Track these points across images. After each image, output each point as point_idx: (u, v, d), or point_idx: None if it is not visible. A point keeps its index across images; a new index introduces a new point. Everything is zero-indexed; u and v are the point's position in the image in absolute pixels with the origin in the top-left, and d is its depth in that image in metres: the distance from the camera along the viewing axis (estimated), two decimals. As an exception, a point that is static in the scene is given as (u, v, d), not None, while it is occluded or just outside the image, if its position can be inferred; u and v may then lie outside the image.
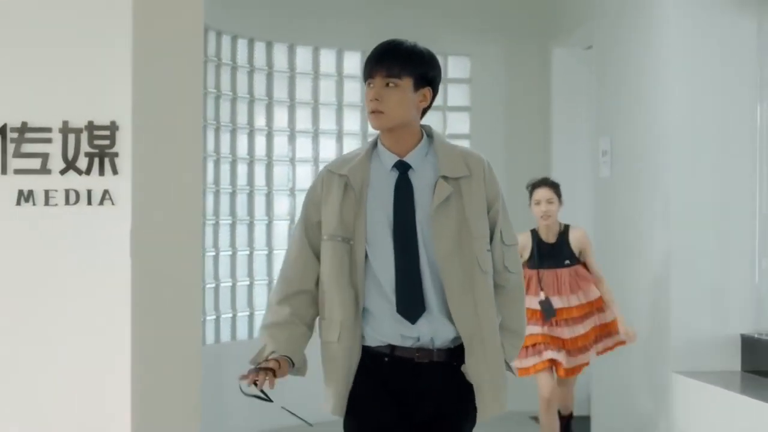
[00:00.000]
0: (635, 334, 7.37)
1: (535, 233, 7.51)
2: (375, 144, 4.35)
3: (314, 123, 9.77)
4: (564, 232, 7.50)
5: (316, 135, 9.80)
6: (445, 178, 4.19)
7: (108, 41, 6.57)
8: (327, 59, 9.82)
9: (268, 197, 9.70)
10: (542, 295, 7.26)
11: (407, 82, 4.19)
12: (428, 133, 4.33)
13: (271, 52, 9.51)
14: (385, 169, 4.26)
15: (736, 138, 7.58)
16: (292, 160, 9.71)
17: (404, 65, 4.20)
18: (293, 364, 4.16)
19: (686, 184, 7.58)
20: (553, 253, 7.45)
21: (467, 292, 4.16)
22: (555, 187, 7.51)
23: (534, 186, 7.53)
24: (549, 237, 7.48)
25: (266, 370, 4.05)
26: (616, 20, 8.58)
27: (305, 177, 9.52)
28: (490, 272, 4.23)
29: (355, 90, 9.77)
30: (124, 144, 6.52)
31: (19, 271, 6.49)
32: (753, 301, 7.61)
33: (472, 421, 4.28)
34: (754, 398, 6.72)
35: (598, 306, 7.44)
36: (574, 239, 7.47)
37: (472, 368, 4.15)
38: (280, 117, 9.67)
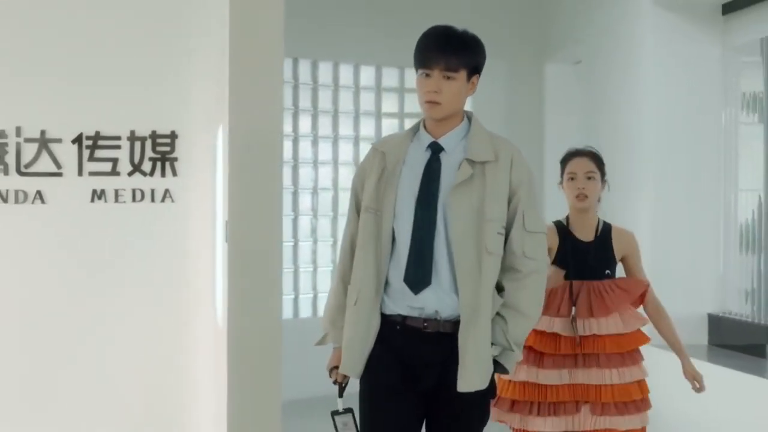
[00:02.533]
0: (701, 379, 5.55)
1: (563, 228, 5.24)
2: (418, 126, 4.37)
3: (354, 129, 10.39)
4: (606, 229, 5.24)
5: (356, 141, 10.41)
6: (469, 161, 4.17)
7: (170, 64, 7.22)
8: (346, 72, 10.39)
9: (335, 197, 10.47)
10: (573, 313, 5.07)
11: (462, 74, 4.22)
12: (469, 118, 4.34)
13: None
14: (421, 148, 4.28)
15: (705, 140, 8.27)
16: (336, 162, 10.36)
17: (461, 58, 4.21)
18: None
19: (661, 182, 8.25)
20: (591, 256, 5.18)
21: (475, 271, 4.11)
22: (597, 159, 5.34)
23: (567, 157, 5.36)
24: (585, 233, 5.23)
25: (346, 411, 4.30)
26: (601, 39, 9.18)
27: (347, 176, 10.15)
28: (496, 254, 4.16)
29: (369, 99, 10.36)
30: (182, 150, 7.23)
31: (93, 257, 7.17)
32: (718, 285, 8.31)
33: (479, 394, 4.19)
34: (720, 365, 7.40)
35: (630, 348, 5.19)
36: (620, 241, 5.24)
37: (461, 341, 4.09)
38: (305, 124, 10.34)
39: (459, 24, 10.42)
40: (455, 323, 4.13)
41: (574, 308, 5.04)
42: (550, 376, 5.06)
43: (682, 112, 8.30)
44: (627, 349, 5.14)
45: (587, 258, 5.16)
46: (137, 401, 7.23)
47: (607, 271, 5.18)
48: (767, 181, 8.13)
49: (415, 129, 4.37)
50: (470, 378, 4.10)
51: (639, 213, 8.27)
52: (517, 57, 10.59)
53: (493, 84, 10.53)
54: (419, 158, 4.26)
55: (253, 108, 5.60)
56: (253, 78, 5.64)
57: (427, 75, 4.21)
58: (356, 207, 4.37)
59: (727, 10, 8.19)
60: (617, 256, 5.26)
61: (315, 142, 10.18)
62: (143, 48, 7.26)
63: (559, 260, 5.16)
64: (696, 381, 5.46)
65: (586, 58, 9.62)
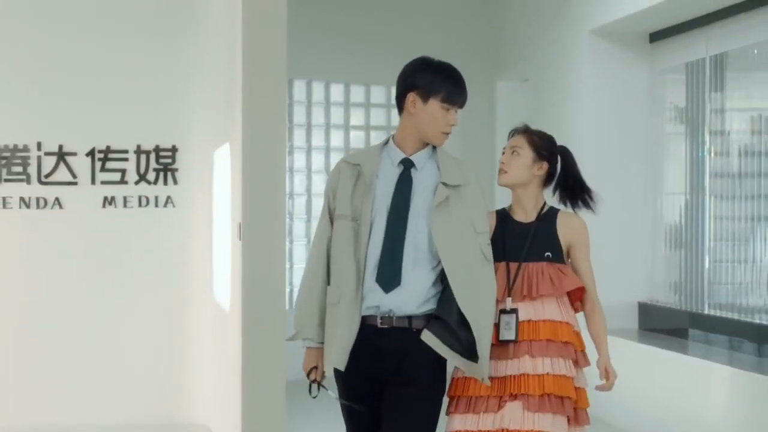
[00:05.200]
0: (612, 382, 4.55)
1: (503, 212, 4.62)
2: (386, 142, 4.42)
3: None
4: (552, 212, 4.61)
5: (327, 151, 10.83)
6: (444, 184, 4.27)
7: (172, 88, 7.99)
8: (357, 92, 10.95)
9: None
10: (509, 303, 4.42)
11: None
12: None
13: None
14: (392, 163, 4.34)
15: (634, 150, 8.87)
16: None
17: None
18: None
19: (596, 187, 8.57)
20: (529, 238, 4.51)
21: (470, 278, 4.23)
22: (532, 136, 4.61)
23: (509, 135, 4.72)
24: (524, 214, 4.58)
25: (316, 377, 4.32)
26: (546, 60, 9.73)
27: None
28: (492, 261, 4.33)
29: (339, 114, 10.88)
30: (182, 162, 8.03)
31: (106, 255, 7.95)
32: (647, 277, 8.90)
33: (433, 388, 4.32)
34: (649, 345, 8.05)
35: (564, 338, 4.42)
36: (565, 227, 4.58)
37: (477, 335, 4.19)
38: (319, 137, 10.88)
39: (415, 44, 9.46)
40: (410, 318, 4.24)
41: (509, 299, 4.42)
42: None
43: (615, 125, 8.91)
44: (562, 340, 4.39)
45: (525, 239, 4.49)
46: (147, 373, 7.98)
47: (547, 254, 4.48)
48: (691, 185, 8.51)
49: (383, 144, 4.43)
50: (479, 369, 4.24)
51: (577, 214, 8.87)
52: (471, 74, 9.91)
53: (449, 99, 11.22)
54: (392, 172, 4.34)
55: (261, 125, 6.04)
56: (261, 100, 6.07)
57: (448, 109, 4.32)
58: (329, 214, 4.39)
59: (653, 38, 8.83)
60: (562, 242, 4.53)
61: (291, 152, 10.65)
62: (148, 74, 8.00)
63: (494, 243, 4.39)
64: (606, 377, 4.52)
65: (533, 76, 10.09)
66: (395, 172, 4.33)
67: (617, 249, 8.82)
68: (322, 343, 4.31)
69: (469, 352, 4.22)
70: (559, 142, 4.74)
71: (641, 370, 8.00)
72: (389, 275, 4.23)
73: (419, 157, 4.34)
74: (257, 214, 5.87)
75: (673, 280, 8.73)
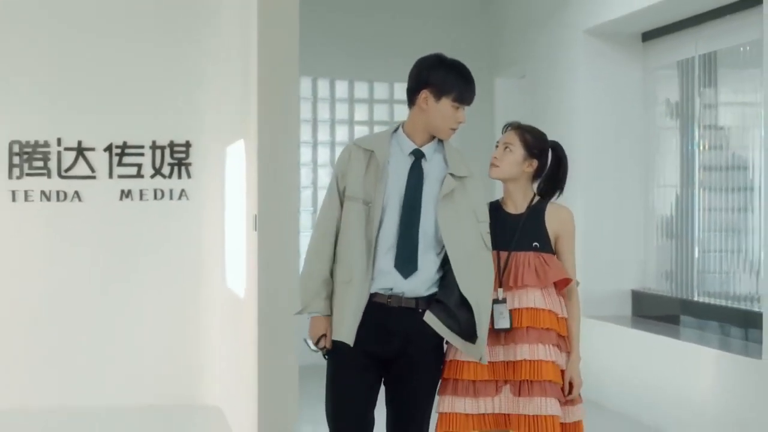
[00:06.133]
0: (577, 392, 4.62)
1: (495, 204, 4.72)
2: (395, 129, 4.54)
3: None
4: (541, 204, 4.72)
5: (332, 145, 10.93)
6: (452, 175, 4.42)
7: (185, 87, 8.26)
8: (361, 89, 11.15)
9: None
10: (500, 293, 4.55)
11: None
12: None
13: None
14: (403, 152, 4.46)
15: (628, 144, 9.09)
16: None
17: None
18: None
19: (592, 180, 8.95)
20: (518, 228, 4.62)
21: (472, 264, 4.39)
22: (523, 132, 4.73)
23: (503, 129, 4.82)
24: (515, 206, 4.71)
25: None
26: (542, 58, 9.91)
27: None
28: (491, 248, 4.48)
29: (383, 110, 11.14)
30: (195, 157, 8.30)
31: (123, 244, 8.24)
32: (640, 266, 9.09)
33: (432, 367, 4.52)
34: (642, 331, 8.27)
35: (544, 325, 4.56)
36: (553, 218, 4.69)
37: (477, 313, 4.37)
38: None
39: (416, 42, 9.64)
40: (417, 300, 4.41)
41: (500, 290, 4.55)
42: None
43: (609, 121, 9.09)
44: (542, 326, 4.52)
45: (515, 230, 4.61)
46: (161, 357, 8.28)
47: (535, 244, 4.60)
48: (682, 178, 8.65)
49: (392, 132, 4.53)
50: (475, 349, 4.41)
51: (573, 206, 8.80)
52: (471, 71, 10.67)
53: (450, 95, 11.33)
54: (403, 160, 4.46)
55: (276, 122, 6.23)
56: (276, 98, 6.25)
57: (458, 108, 4.45)
58: (339, 194, 4.47)
59: (645, 38, 9.03)
60: (550, 232, 4.65)
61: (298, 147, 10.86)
62: (163, 75, 8.29)
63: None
64: (571, 384, 4.57)
65: (529, 73, 10.26)
66: (406, 161, 4.46)
67: (612, 239, 9.03)
68: (329, 314, 4.44)
69: (467, 333, 4.39)
70: (555, 137, 4.89)
71: (634, 355, 8.27)
72: (407, 262, 4.38)
73: (428, 149, 4.48)
74: (272, 206, 6.02)
75: (664, 269, 8.92)
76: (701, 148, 8.45)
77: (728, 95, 8.23)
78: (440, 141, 4.52)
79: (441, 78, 4.42)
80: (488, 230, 4.48)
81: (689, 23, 8.41)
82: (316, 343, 4.47)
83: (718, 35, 8.12)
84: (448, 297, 4.42)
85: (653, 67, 9.12)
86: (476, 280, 4.40)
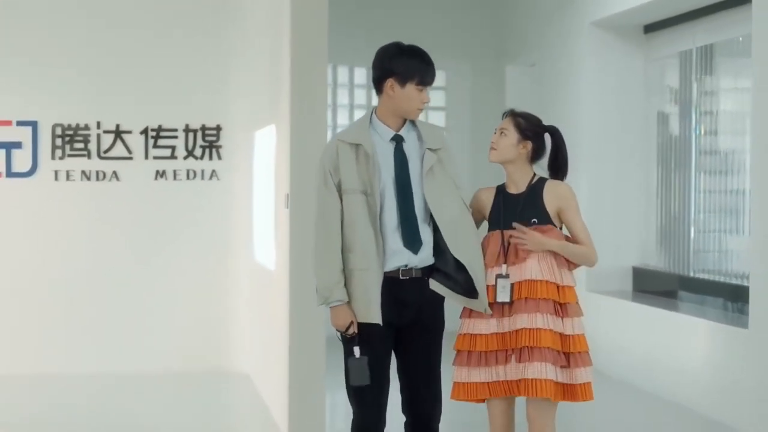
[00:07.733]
0: (524, 231, 4.76)
1: (500, 186, 4.91)
2: (369, 118, 4.70)
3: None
4: (540, 182, 4.88)
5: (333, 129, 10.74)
6: (429, 149, 4.65)
7: (216, 74, 8.61)
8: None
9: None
10: (504, 268, 4.74)
11: None
12: None
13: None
14: (384, 140, 4.66)
15: (631, 129, 9.34)
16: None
17: None
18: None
19: (596, 163, 9.22)
20: (520, 207, 4.80)
21: (459, 229, 4.64)
22: (517, 118, 4.92)
23: (502, 117, 4.99)
24: (516, 187, 4.87)
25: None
26: (551, 47, 10.15)
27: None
28: (470, 209, 4.74)
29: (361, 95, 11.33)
30: (225, 140, 8.65)
31: (158, 222, 8.61)
32: (640, 244, 9.41)
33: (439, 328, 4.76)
34: (642, 304, 8.59)
35: (541, 295, 4.75)
36: (551, 194, 4.84)
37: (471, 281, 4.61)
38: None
39: (430, 31, 10.56)
40: (423, 269, 4.66)
41: (504, 266, 4.75)
42: (478, 325, 4.77)
43: (612, 107, 9.35)
44: (539, 296, 4.73)
45: (516, 209, 4.80)
46: (193, 326, 8.63)
47: (534, 220, 4.78)
48: (680, 160, 8.81)
49: (367, 121, 4.70)
50: (477, 303, 4.67)
51: (577, 187, 8.56)
52: (481, 60, 11.39)
53: (460, 83, 11.47)
54: (386, 147, 4.66)
55: (307, 107, 6.45)
56: (307, 85, 6.44)
57: (422, 90, 4.65)
58: (336, 189, 4.63)
59: (647, 30, 9.32)
60: (548, 207, 4.81)
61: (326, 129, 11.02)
62: (195, 62, 8.65)
63: (490, 215, 4.89)
64: (522, 230, 4.77)
65: (539, 62, 10.48)
66: (389, 147, 4.66)
67: (614, 219, 9.31)
68: (349, 301, 4.61)
69: (468, 291, 4.65)
70: (562, 122, 5.15)
71: (635, 327, 8.60)
72: (414, 239, 4.62)
73: (404, 132, 4.70)
74: (303, 185, 6.18)
75: (663, 248, 9.19)
76: (698, 132, 8.71)
77: (724, 83, 8.50)
78: (411, 121, 4.74)
79: (403, 66, 4.62)
80: (465, 193, 4.76)
81: (688, 17, 8.73)
82: (346, 331, 4.61)
83: (714, 29, 8.43)
84: (444, 263, 4.68)
85: (655, 57, 9.40)
86: (465, 243, 4.64)
